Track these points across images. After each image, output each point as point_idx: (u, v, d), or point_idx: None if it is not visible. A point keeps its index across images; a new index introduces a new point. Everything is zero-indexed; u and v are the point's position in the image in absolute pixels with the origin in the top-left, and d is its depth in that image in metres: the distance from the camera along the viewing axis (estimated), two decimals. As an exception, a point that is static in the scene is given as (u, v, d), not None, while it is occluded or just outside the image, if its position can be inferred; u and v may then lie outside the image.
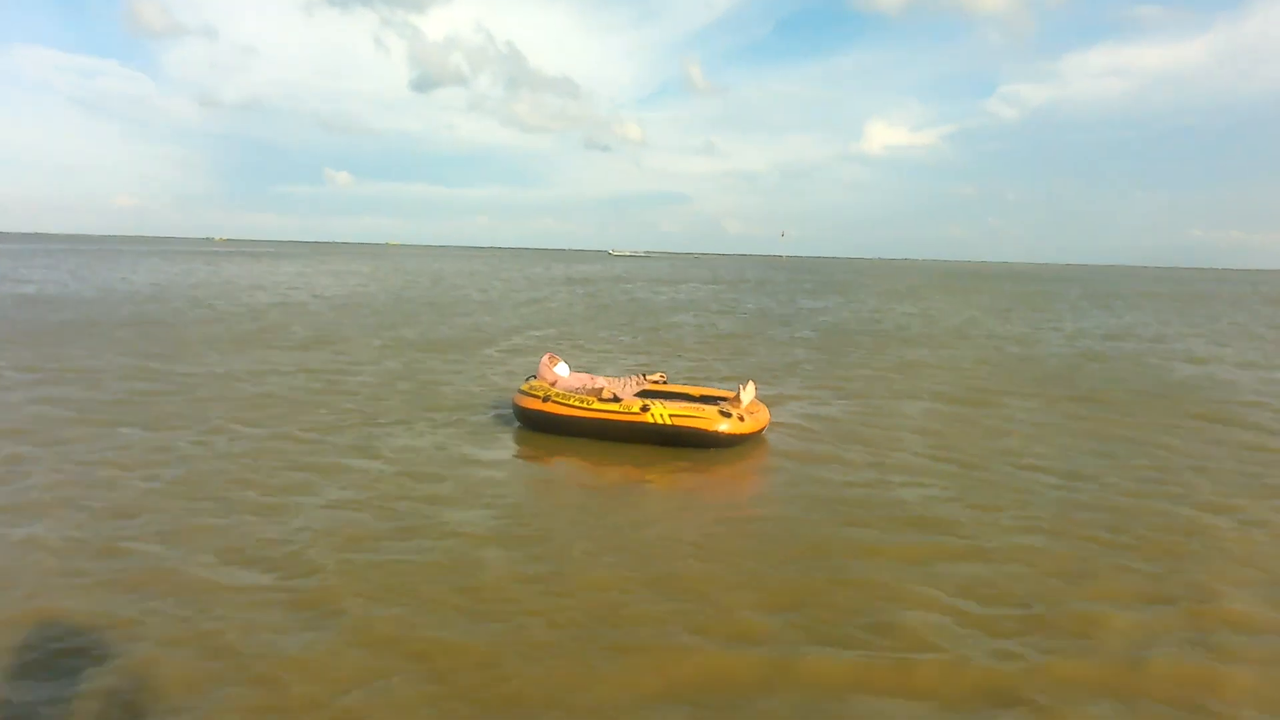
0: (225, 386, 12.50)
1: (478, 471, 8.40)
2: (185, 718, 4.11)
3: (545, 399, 9.77)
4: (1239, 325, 30.55)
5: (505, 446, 9.48)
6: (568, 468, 8.84)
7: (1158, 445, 10.24)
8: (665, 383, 10.79)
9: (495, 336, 20.54)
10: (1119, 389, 14.51)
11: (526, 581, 5.73)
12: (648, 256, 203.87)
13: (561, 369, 10.60)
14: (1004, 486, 8.28)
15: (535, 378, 10.43)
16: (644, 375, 10.78)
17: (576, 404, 9.60)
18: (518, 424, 10.25)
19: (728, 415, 9.25)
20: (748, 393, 9.67)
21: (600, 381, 10.36)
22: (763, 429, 9.74)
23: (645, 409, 9.33)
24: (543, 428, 9.86)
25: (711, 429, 9.19)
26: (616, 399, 9.53)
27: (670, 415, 9.27)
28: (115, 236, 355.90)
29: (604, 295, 39.34)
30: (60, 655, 4.63)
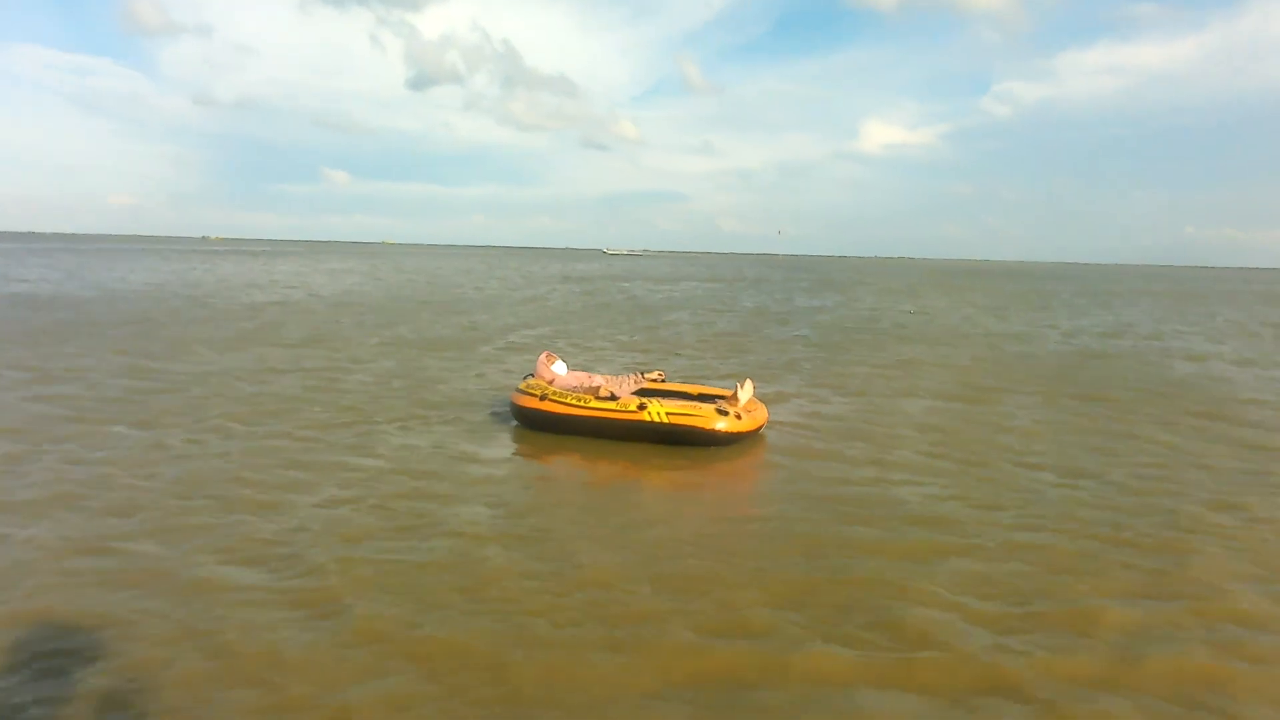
0: (222, 385, 12.46)
1: (475, 470, 8.37)
2: (183, 717, 4.08)
3: (542, 397, 9.75)
4: (1235, 323, 30.61)
5: (503, 445, 9.45)
6: (566, 466, 8.82)
7: (1158, 442, 10.24)
8: (663, 381, 10.77)
9: (492, 335, 20.50)
10: (1118, 386, 14.51)
11: (526, 579, 5.71)
12: (643, 255, 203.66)
13: (559, 367, 10.58)
14: (1004, 484, 8.27)
15: (533, 376, 10.41)
16: (642, 374, 10.76)
17: (573, 402, 9.58)
18: (515, 423, 10.23)
19: (725, 413, 9.24)
20: (745, 391, 9.66)
21: (598, 380, 10.34)
22: (761, 427, 9.73)
23: (642, 407, 9.31)
24: (540, 426, 9.84)
25: (709, 427, 9.17)
26: (614, 397, 9.51)
27: (667, 414, 9.25)
28: (110, 236, 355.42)
29: (601, 294, 39.31)
30: (56, 655, 4.59)
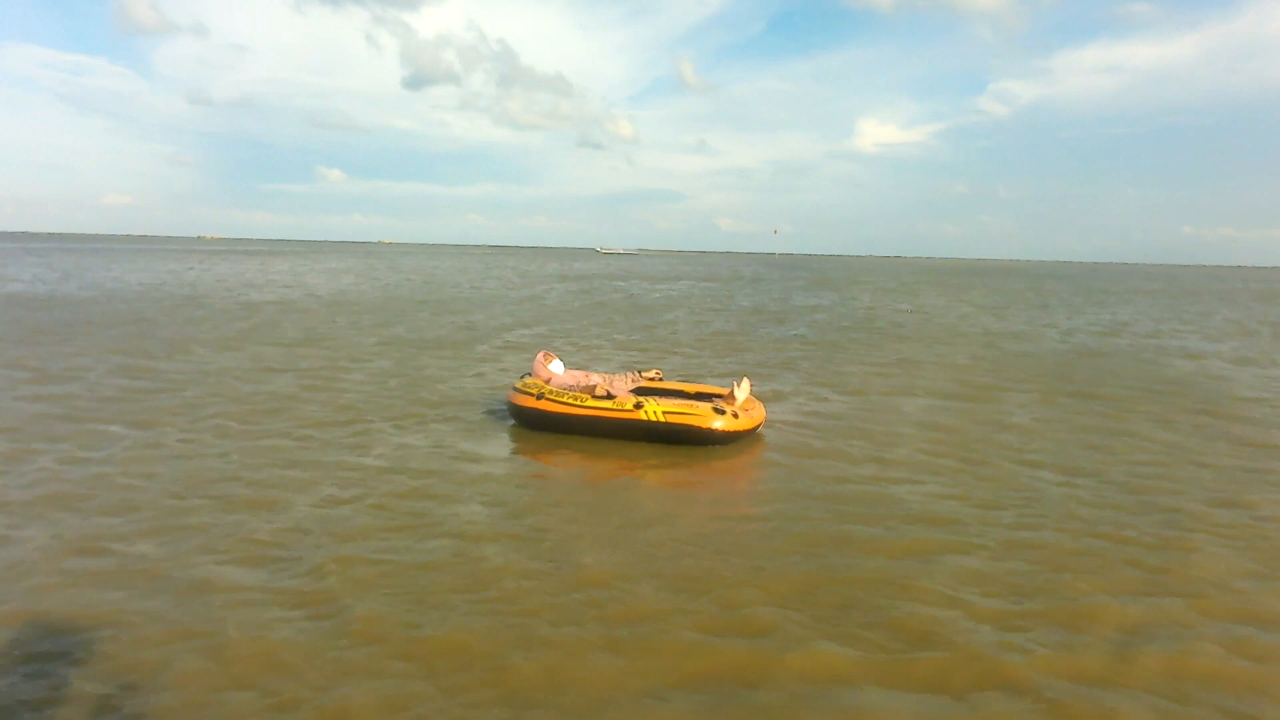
0: (219, 384, 12.41)
1: (473, 469, 8.34)
2: (181, 718, 4.05)
3: (539, 396, 9.72)
4: (1233, 321, 30.65)
5: (500, 444, 9.42)
6: (564, 465, 8.78)
7: (1156, 440, 10.24)
8: (661, 380, 10.75)
9: (489, 334, 20.47)
10: (1116, 384, 14.51)
11: (525, 578, 5.68)
12: (639, 254, 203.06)
13: (556, 366, 10.55)
14: (1004, 482, 8.26)
15: (530, 375, 10.38)
16: (639, 372, 10.74)
17: (570, 401, 9.55)
18: (512, 421, 10.20)
19: (722, 412, 9.21)
20: (742, 390, 9.63)
21: (595, 379, 10.30)
22: (758, 426, 9.70)
23: (639, 406, 9.28)
24: (537, 425, 9.81)
25: (706, 426, 9.15)
26: (610, 396, 9.48)
27: (664, 412, 9.23)
28: (105, 235, 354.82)
29: (598, 293, 39.28)
30: (53, 655, 4.56)
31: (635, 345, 18.92)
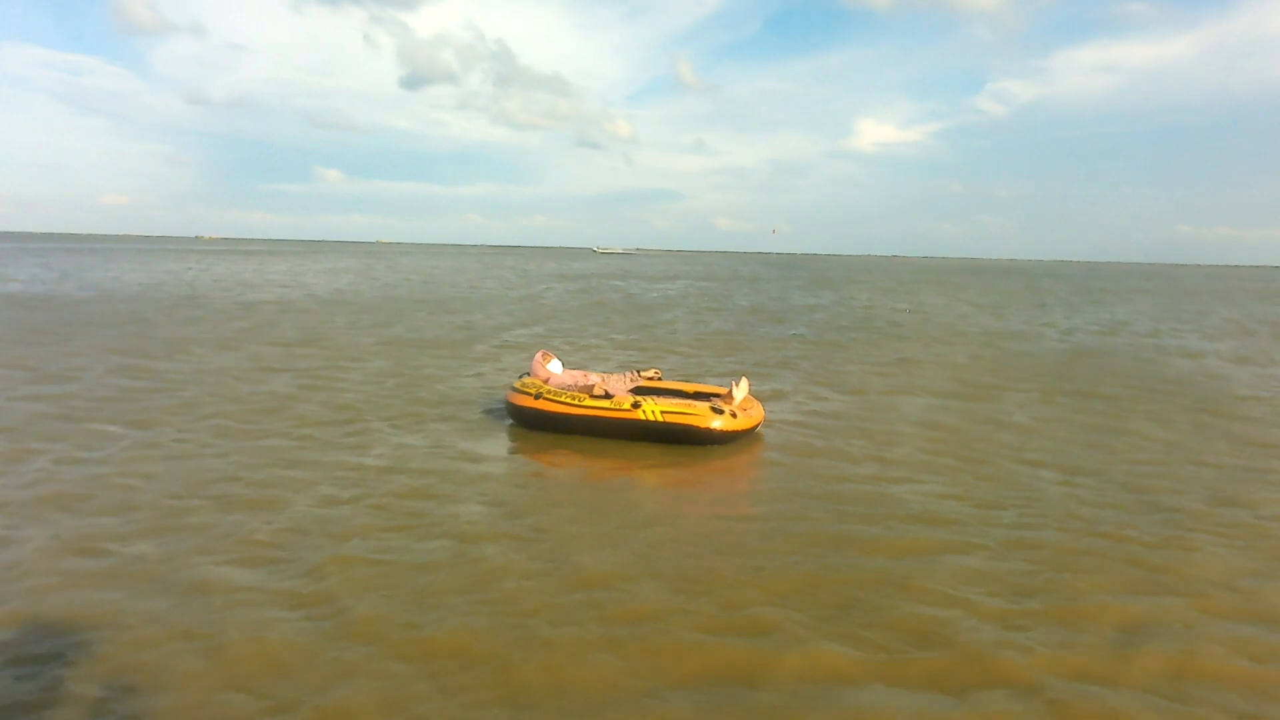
0: (217, 384, 12.38)
1: (472, 469, 8.32)
2: (179, 719, 4.04)
3: (537, 396, 9.70)
4: (1230, 320, 30.66)
5: (499, 444, 9.40)
6: (564, 465, 8.76)
7: (1156, 439, 10.24)
8: (660, 379, 10.73)
9: (488, 333, 20.44)
10: (1116, 383, 14.51)
11: (524, 578, 5.66)
12: (637, 253, 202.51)
13: (555, 366, 10.53)
14: (1004, 481, 8.25)
15: (528, 375, 10.36)
16: (638, 372, 10.72)
17: (568, 401, 9.53)
18: (511, 421, 10.18)
19: (720, 412, 9.20)
20: (741, 389, 9.62)
21: (593, 378, 10.28)
22: (757, 426, 9.69)
23: (637, 406, 9.27)
24: (535, 425, 9.79)
25: (704, 426, 9.13)
26: (608, 396, 9.47)
27: (662, 412, 9.21)
28: (103, 235, 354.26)
29: (597, 292, 39.26)
30: (50, 656, 4.54)
31: (634, 345, 18.90)
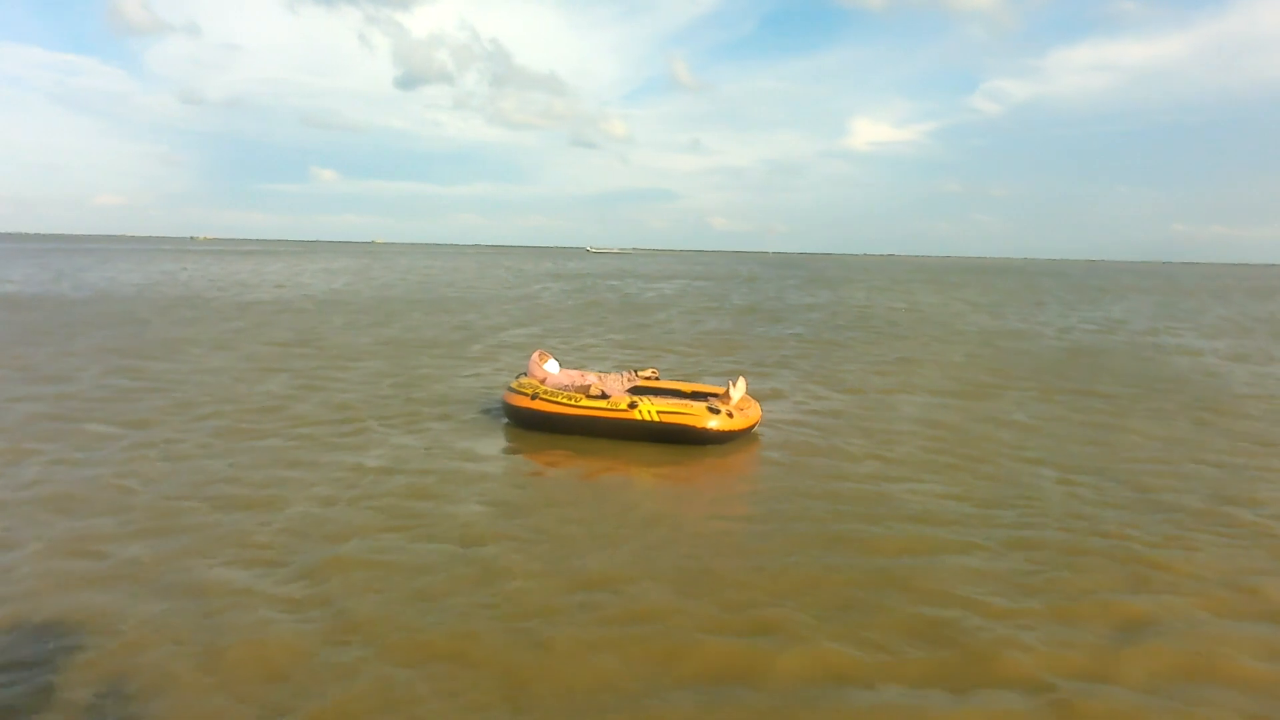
0: (212, 385, 12.33)
1: (470, 469, 8.29)
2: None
3: (534, 396, 9.66)
4: (1227, 319, 30.69)
5: (497, 444, 9.36)
6: (561, 465, 8.72)
7: (1156, 437, 10.23)
8: (657, 379, 10.70)
9: (484, 333, 20.40)
10: (1114, 381, 14.51)
11: (523, 578, 5.63)
12: (632, 253, 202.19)
13: (551, 366, 10.48)
14: (1004, 479, 8.23)
15: (525, 375, 10.31)
16: (635, 371, 10.69)
17: (565, 401, 9.49)
18: (508, 421, 10.14)
19: (717, 412, 9.16)
20: (738, 389, 9.59)
21: (590, 378, 10.25)
22: (754, 425, 9.65)
23: (633, 406, 9.23)
24: (532, 425, 9.75)
25: (700, 426, 9.10)
26: (605, 396, 9.43)
27: (658, 412, 9.18)
28: (98, 236, 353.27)
29: (593, 291, 39.22)
30: (43, 658, 4.50)
31: (631, 344, 18.87)
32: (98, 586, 5.41)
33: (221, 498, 7.20)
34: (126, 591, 5.35)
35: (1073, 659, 4.71)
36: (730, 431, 9.22)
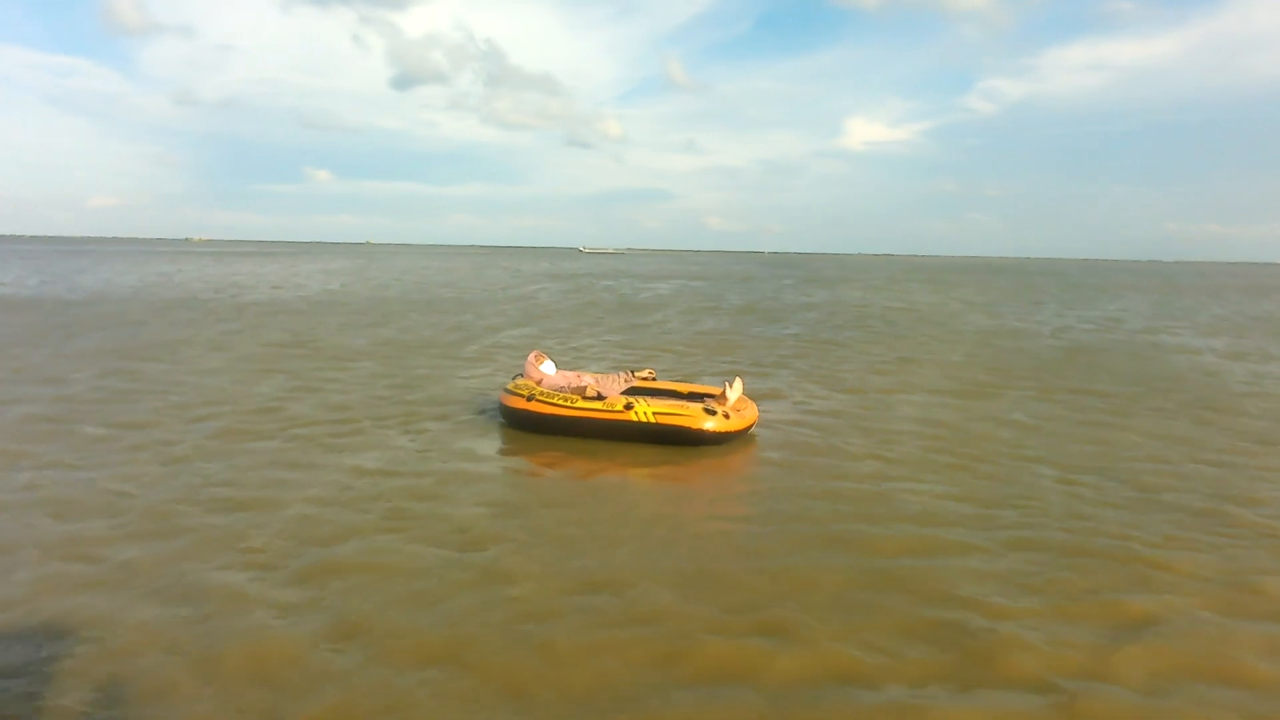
0: (208, 386, 12.28)
1: (467, 470, 8.25)
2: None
3: (530, 398, 9.62)
4: (1223, 317, 30.74)
5: (493, 445, 9.33)
6: (558, 466, 8.69)
7: (1157, 435, 10.22)
8: (654, 379, 10.67)
9: (480, 334, 20.36)
10: (1112, 380, 14.51)
11: (522, 579, 5.60)
12: (626, 253, 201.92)
13: (548, 367, 10.44)
14: (1004, 479, 8.21)
15: (522, 376, 10.28)
16: (632, 372, 10.65)
17: (561, 403, 9.46)
18: (504, 423, 10.10)
19: (713, 413, 9.13)
20: (735, 390, 9.56)
21: (587, 379, 10.22)
22: (751, 426, 9.62)
23: (629, 407, 9.20)
24: (528, 427, 9.71)
25: (697, 427, 9.07)
26: (601, 397, 9.40)
27: (655, 413, 9.15)
28: (92, 238, 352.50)
29: (589, 291, 39.19)
30: (35, 664, 4.45)
31: (627, 345, 18.84)
32: (93, 590, 5.37)
33: (218, 500, 7.15)
34: (122, 595, 5.30)
35: (1074, 658, 4.69)
36: (727, 432, 9.19)
